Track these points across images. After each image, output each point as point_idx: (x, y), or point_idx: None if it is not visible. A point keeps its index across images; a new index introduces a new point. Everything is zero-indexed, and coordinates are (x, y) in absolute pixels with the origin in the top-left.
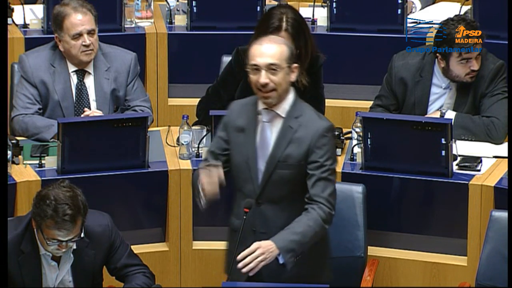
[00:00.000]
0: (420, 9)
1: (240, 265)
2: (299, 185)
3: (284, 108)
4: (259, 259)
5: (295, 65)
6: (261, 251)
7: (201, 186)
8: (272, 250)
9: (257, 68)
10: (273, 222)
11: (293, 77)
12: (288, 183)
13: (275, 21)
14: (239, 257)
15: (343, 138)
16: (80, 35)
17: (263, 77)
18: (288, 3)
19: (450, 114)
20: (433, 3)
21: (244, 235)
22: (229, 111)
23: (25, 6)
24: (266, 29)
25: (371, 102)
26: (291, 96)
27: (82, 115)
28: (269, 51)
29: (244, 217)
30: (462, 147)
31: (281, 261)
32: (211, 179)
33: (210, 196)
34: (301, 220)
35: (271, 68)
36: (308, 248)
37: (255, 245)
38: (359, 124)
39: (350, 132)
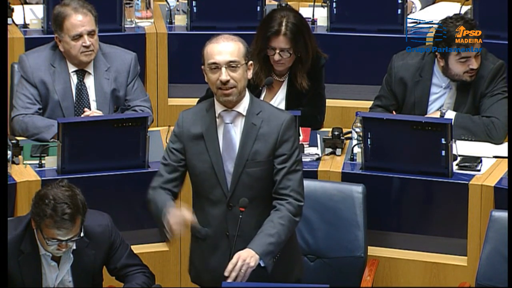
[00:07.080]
0: (420, 9)
1: (229, 280)
2: (270, 181)
3: (244, 106)
4: (243, 269)
5: (251, 62)
6: (241, 262)
7: (167, 226)
8: (253, 256)
9: (216, 67)
10: (246, 223)
11: (250, 74)
12: (259, 181)
13: (274, 24)
14: (226, 273)
15: (343, 138)
16: (80, 36)
17: (224, 74)
18: (288, 3)
19: (450, 114)
20: (433, 3)
21: (216, 241)
22: (180, 122)
23: (25, 6)
24: (265, 32)
25: (371, 102)
26: (247, 94)
27: (82, 115)
28: (227, 48)
29: (240, 216)
30: (462, 147)
31: (262, 265)
32: (177, 219)
33: (177, 233)
34: (273, 219)
35: (231, 65)
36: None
37: (235, 257)
38: (359, 124)
39: (350, 132)
